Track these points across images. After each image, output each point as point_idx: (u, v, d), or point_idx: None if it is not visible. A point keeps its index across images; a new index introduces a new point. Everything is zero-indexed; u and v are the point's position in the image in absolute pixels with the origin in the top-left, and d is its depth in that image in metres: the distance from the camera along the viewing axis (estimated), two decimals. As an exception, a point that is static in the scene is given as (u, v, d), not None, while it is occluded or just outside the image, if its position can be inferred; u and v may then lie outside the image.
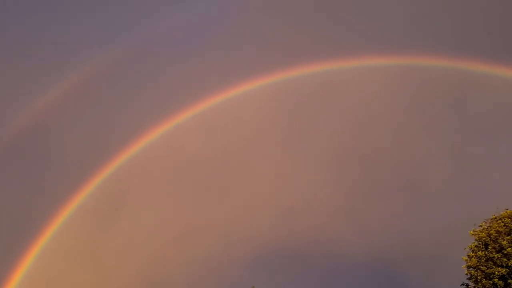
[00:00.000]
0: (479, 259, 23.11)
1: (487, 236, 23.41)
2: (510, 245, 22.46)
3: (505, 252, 22.46)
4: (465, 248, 24.23)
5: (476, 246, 23.80)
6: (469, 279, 23.59)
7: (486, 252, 23.10)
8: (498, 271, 22.35)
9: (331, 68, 43.65)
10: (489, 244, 23.25)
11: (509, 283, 22.35)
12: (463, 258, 23.95)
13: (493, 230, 23.33)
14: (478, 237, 23.77)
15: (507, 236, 22.80)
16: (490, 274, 22.60)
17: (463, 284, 23.97)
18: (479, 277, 22.97)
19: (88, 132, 47.50)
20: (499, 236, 23.01)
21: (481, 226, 24.07)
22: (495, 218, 23.65)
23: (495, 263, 22.67)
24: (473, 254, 23.59)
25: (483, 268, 22.92)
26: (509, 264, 22.29)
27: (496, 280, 22.43)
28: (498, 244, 22.91)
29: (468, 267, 23.53)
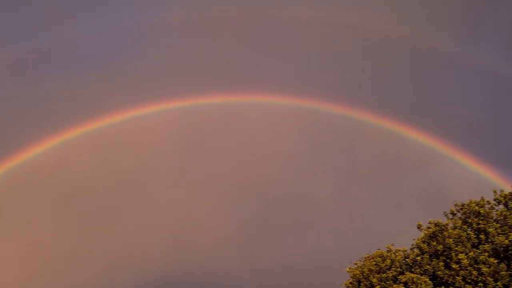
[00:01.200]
0: (353, 295, 24.52)
1: (360, 273, 25.01)
2: (379, 283, 24.07)
3: (374, 289, 24.02)
4: (341, 285, 25.73)
5: (350, 283, 25.31)
6: (344, 314, 24.90)
7: (358, 289, 24.62)
8: (369, 308, 23.83)
9: (238, 100, 44.92)
10: (361, 282, 24.81)
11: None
12: (338, 293, 25.37)
13: (366, 268, 24.97)
14: (353, 274, 25.33)
15: (377, 274, 24.46)
16: (362, 310, 24.03)
17: (338, 319, 25.24)
18: (352, 313, 24.33)
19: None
20: (370, 274, 24.64)
21: (356, 264, 25.71)
22: (368, 257, 25.35)
23: (366, 300, 24.15)
24: (347, 290, 25.06)
25: (356, 304, 24.33)
26: (378, 301, 23.79)
27: (366, 315, 23.88)
28: (369, 282, 24.49)
29: (344, 302, 24.88)
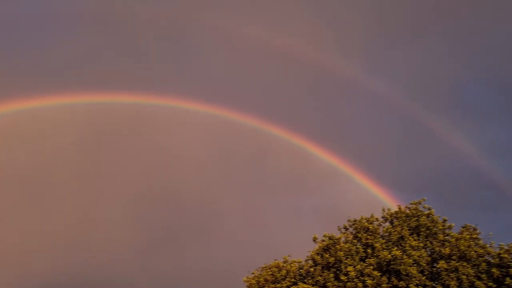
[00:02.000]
0: (247, 304, 25.18)
1: (256, 283, 25.78)
2: (273, 293, 24.97)
3: (268, 299, 24.85)
4: (238, 294, 26.36)
5: (246, 292, 26.06)
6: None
7: (254, 299, 25.35)
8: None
9: (152, 102, 44.44)
10: (257, 291, 25.60)
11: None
12: (234, 303, 25.98)
13: (262, 278, 25.80)
14: (250, 283, 26.05)
15: (272, 284, 25.36)
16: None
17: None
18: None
19: None
20: (266, 284, 25.49)
21: (253, 273, 26.46)
22: (265, 267, 26.22)
23: (259, 309, 24.90)
24: (243, 299, 25.73)
25: (249, 313, 25.00)
26: (271, 310, 24.62)
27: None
28: (264, 291, 25.33)
29: (237, 311, 25.48)
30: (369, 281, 22.94)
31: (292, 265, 25.89)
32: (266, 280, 25.65)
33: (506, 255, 22.16)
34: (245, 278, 26.39)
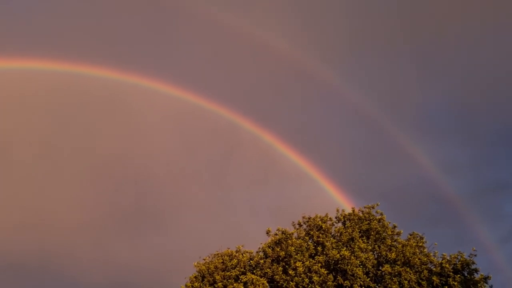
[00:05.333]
0: (195, 290, 25.41)
1: (206, 269, 26.05)
2: (222, 280, 25.25)
3: (216, 286, 25.14)
4: (185, 278, 26.57)
5: (195, 277, 26.26)
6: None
7: (201, 284, 25.62)
8: (208, 303, 24.85)
9: (123, 79, 43.95)
10: (205, 277, 25.85)
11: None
12: (181, 287, 26.17)
13: (212, 265, 26.09)
14: (199, 269, 26.32)
15: (222, 272, 25.67)
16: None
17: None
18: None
19: None
20: (216, 270, 25.79)
21: (204, 259, 26.72)
22: (217, 254, 26.53)
23: (207, 295, 25.16)
24: (190, 284, 25.93)
25: (198, 298, 25.24)
26: (217, 297, 24.91)
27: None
28: (212, 278, 25.59)
29: (186, 295, 25.68)
30: (315, 278, 23.51)
31: (244, 255, 26.25)
32: (216, 267, 25.94)
33: (447, 265, 23.08)
34: (195, 263, 26.61)
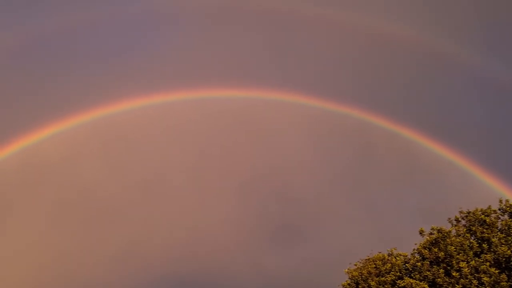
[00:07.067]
0: (350, 296, 24.21)
1: (359, 275, 24.69)
2: (378, 286, 23.74)
3: (372, 292, 23.69)
4: (338, 286, 25.47)
5: (348, 284, 25.04)
6: (342, 314, 24.62)
7: (356, 291, 24.34)
8: (365, 310, 23.50)
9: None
10: (360, 284, 24.50)
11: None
12: (336, 294, 25.13)
13: (365, 270, 24.66)
14: (352, 275, 25.03)
15: (376, 277, 24.12)
16: (358, 311, 23.72)
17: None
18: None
19: None
20: (369, 276, 24.32)
21: (355, 265, 25.40)
22: (369, 259, 25.02)
23: (363, 302, 23.82)
24: (345, 291, 24.80)
25: (354, 305, 24.02)
26: (375, 304, 23.45)
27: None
28: (367, 284, 24.17)
29: (341, 303, 24.60)
30: (485, 278, 20.95)
31: (397, 258, 24.49)
32: (369, 272, 24.50)
33: None
34: (346, 270, 25.45)
